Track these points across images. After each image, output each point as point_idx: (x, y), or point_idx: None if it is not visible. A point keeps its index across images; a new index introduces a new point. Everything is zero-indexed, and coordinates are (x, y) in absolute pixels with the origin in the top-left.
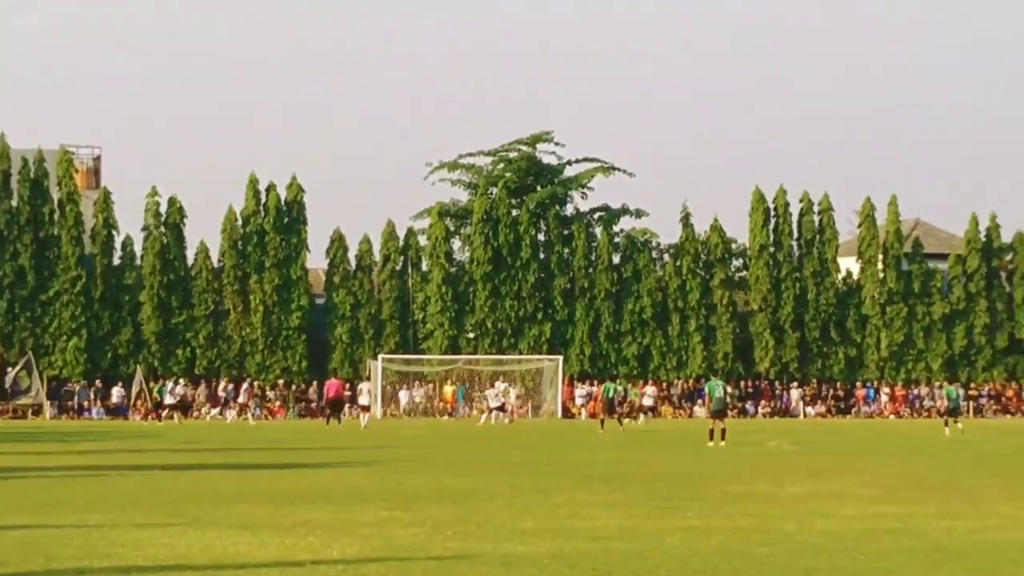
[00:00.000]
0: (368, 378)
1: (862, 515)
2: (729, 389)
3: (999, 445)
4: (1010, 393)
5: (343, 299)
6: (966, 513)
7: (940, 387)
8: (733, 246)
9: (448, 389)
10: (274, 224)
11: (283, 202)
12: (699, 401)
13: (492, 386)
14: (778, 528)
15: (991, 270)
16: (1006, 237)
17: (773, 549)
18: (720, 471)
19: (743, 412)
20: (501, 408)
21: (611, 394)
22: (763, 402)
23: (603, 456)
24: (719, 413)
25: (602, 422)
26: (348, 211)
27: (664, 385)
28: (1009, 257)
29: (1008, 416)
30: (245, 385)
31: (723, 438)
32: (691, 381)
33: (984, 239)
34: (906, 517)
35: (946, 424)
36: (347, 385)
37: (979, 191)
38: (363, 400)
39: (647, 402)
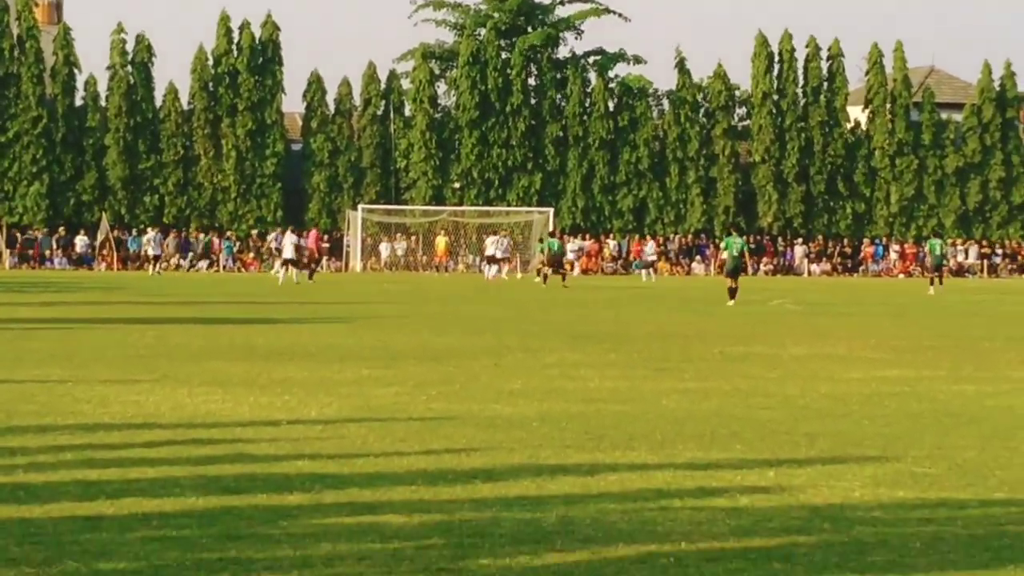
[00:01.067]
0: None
1: (868, 378)
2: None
3: (1015, 306)
4: None
5: (321, 145)
6: (978, 377)
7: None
8: (736, 94)
9: (440, 241)
10: (247, 65)
11: (257, 41)
12: (697, 257)
13: (490, 235)
14: (779, 391)
15: (1006, 121)
16: (1022, 86)
17: (774, 413)
18: (719, 331)
19: (744, 270)
20: (494, 259)
21: (556, 248)
22: (765, 259)
23: (596, 314)
24: (734, 272)
25: (545, 277)
26: (327, 52)
27: (661, 240)
28: None
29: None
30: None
31: (732, 297)
32: (690, 236)
33: (998, 88)
34: (914, 381)
35: (931, 283)
36: (326, 237)
37: (994, 37)
38: (287, 254)
39: (650, 258)
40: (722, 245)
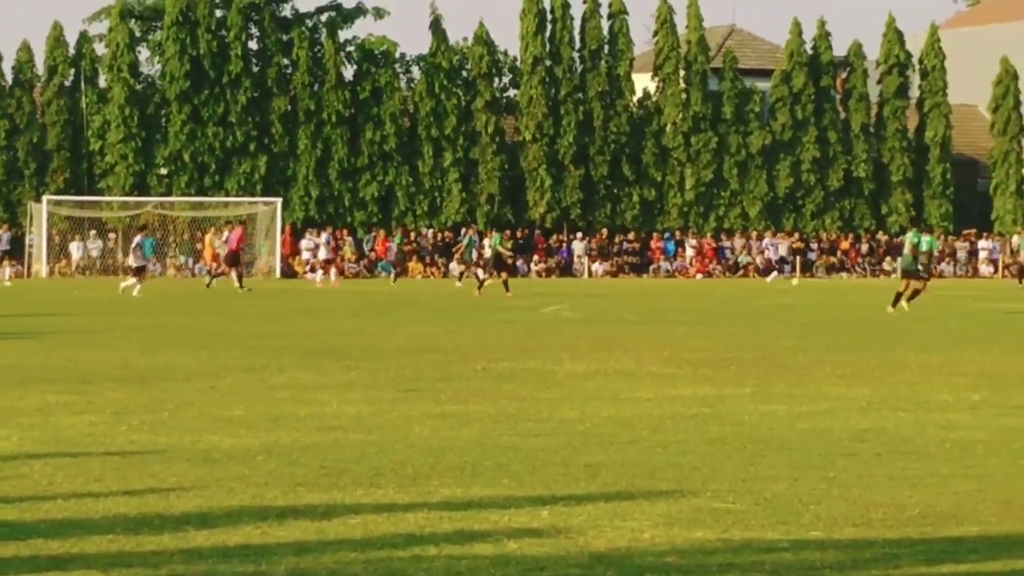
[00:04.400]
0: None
1: (660, 398)
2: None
3: (832, 311)
4: (845, 245)
5: None
6: (790, 395)
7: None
8: (500, 59)
9: (209, 240)
10: None
11: None
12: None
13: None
14: (555, 415)
15: (820, 90)
16: (838, 50)
17: (548, 441)
18: (482, 344)
19: (512, 270)
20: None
21: (498, 244)
22: (536, 257)
23: (335, 326)
24: (911, 273)
25: (481, 283)
26: (2, 10)
27: (412, 236)
28: (844, 75)
29: (843, 274)
30: None
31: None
32: (446, 232)
33: (811, 52)
34: (715, 400)
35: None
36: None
37: None
38: None
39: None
40: (907, 240)
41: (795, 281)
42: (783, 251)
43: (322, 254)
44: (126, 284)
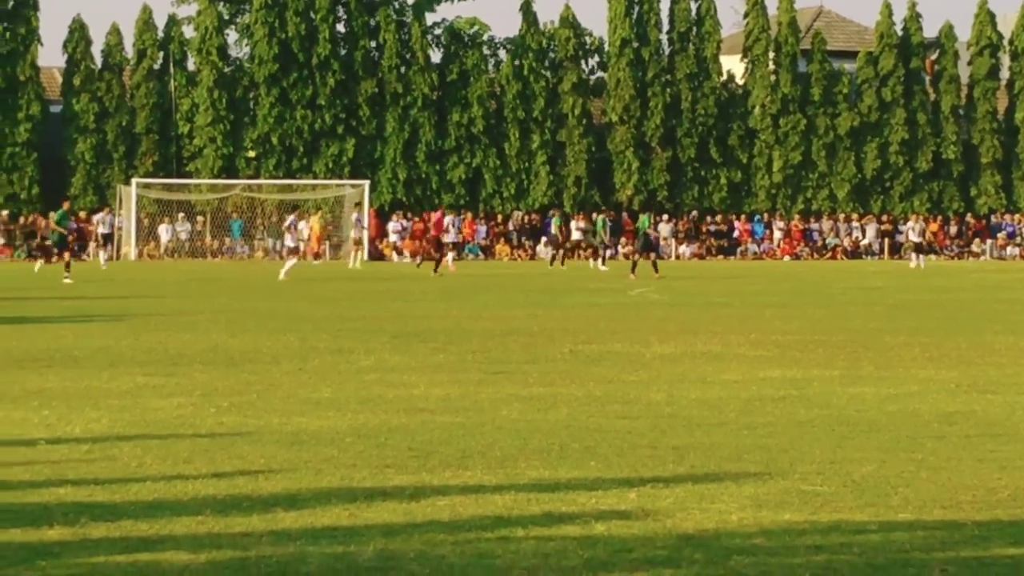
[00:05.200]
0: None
1: (747, 380)
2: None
3: (921, 292)
4: (934, 227)
5: (86, 107)
6: (878, 378)
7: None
8: (587, 41)
9: (316, 222)
10: None
11: None
12: (543, 239)
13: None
14: (642, 397)
15: (910, 72)
16: (928, 31)
17: (636, 423)
18: (569, 327)
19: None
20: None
21: (646, 226)
22: (624, 239)
23: (422, 309)
24: None
25: (634, 265)
26: None
27: (499, 219)
28: (934, 56)
29: (932, 257)
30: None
31: None
32: (534, 214)
33: (901, 33)
34: (803, 382)
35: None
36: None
37: None
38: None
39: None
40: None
41: (913, 264)
42: (871, 234)
43: (450, 237)
44: (287, 267)
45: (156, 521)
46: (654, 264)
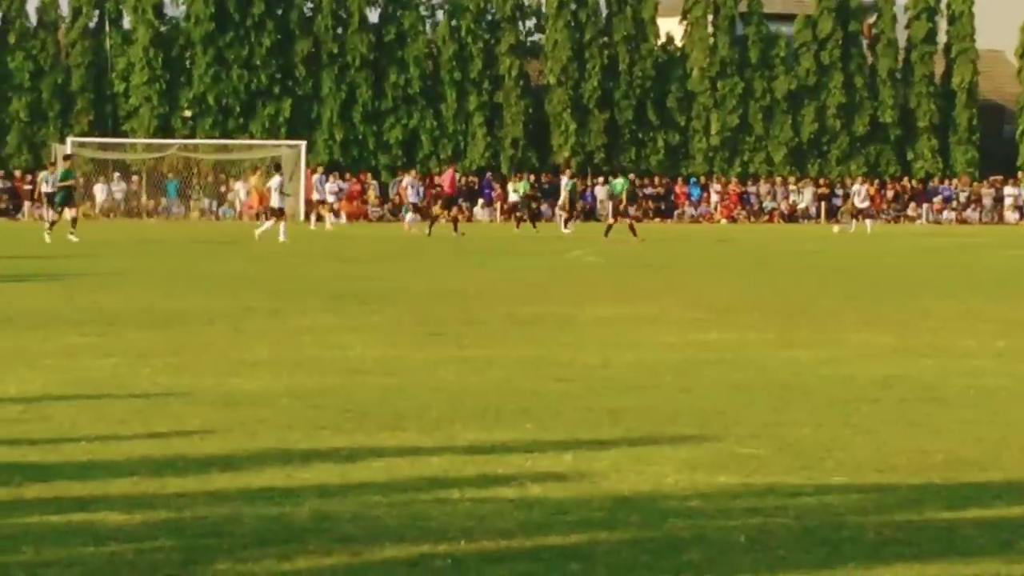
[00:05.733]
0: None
1: (683, 343)
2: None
3: (857, 258)
4: (871, 191)
5: (20, 65)
6: (813, 341)
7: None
8: (525, 2)
9: (256, 180)
10: None
11: None
12: (480, 200)
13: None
14: (577, 359)
15: (848, 36)
16: None
17: (571, 386)
18: (505, 289)
19: (536, 214)
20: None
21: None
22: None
23: (359, 270)
24: None
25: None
26: None
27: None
28: (872, 19)
29: (868, 220)
30: None
31: None
32: (471, 176)
33: None
34: (738, 346)
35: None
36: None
37: None
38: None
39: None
40: None
41: (836, 228)
42: (808, 197)
43: (411, 196)
44: (263, 228)
45: (90, 481)
46: (632, 228)
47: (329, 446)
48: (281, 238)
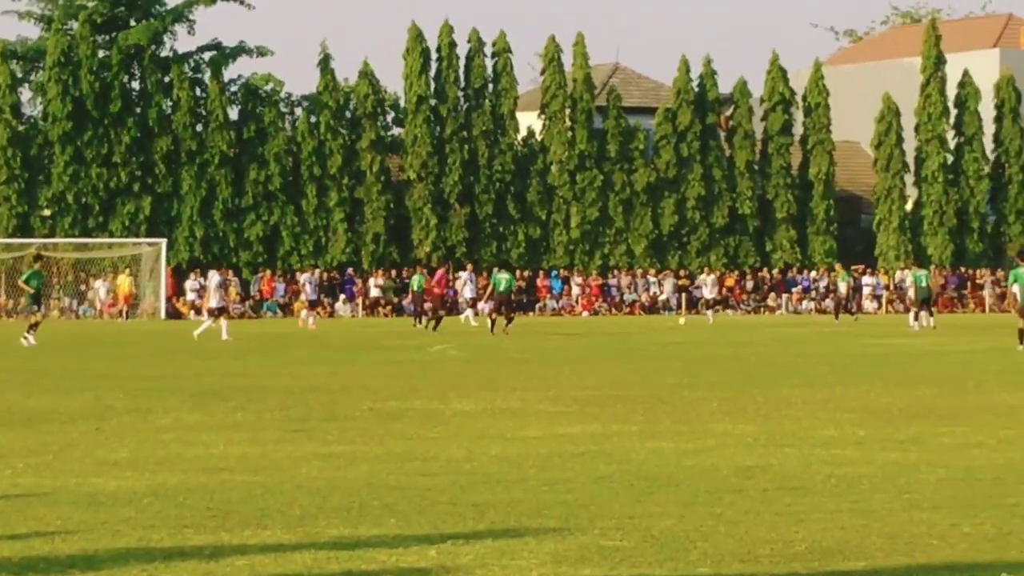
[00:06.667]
0: None
1: (547, 436)
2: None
3: (717, 347)
4: (730, 282)
5: None
6: (677, 432)
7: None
8: (385, 97)
9: (124, 281)
10: None
11: None
12: (341, 296)
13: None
14: (442, 454)
15: (706, 128)
16: (724, 87)
17: (436, 480)
18: (369, 384)
19: (398, 309)
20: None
21: (503, 287)
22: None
23: (221, 367)
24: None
25: (492, 323)
26: None
27: (297, 276)
28: (729, 111)
29: (729, 311)
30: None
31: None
32: (332, 272)
33: (697, 89)
34: (602, 438)
35: (916, 318)
36: None
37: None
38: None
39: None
40: (1010, 279)
41: (682, 320)
42: (668, 289)
43: (468, 292)
44: (201, 329)
45: None
46: (508, 319)
47: (192, 544)
48: (224, 336)
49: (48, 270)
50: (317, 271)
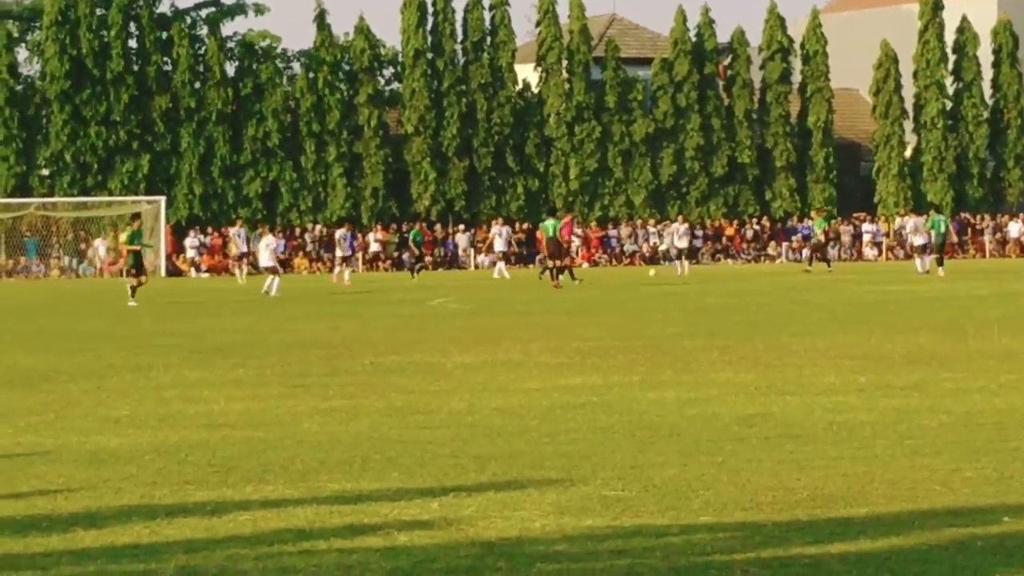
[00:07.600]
0: None
1: (548, 388)
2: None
3: (719, 297)
4: (730, 231)
5: None
6: (678, 382)
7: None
8: (382, 52)
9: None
10: None
11: None
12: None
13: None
14: (443, 407)
15: (704, 78)
16: (722, 36)
17: (436, 433)
18: (369, 338)
19: (397, 264)
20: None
21: (552, 232)
22: (423, 250)
23: (222, 323)
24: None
25: (547, 271)
26: None
27: (297, 231)
28: (727, 61)
29: (729, 261)
30: None
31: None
32: (331, 227)
33: (694, 39)
34: (603, 389)
35: (926, 267)
36: None
37: None
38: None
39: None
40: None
41: (652, 272)
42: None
43: (499, 245)
44: (274, 288)
45: None
46: (570, 270)
47: (195, 501)
48: (273, 292)
49: (47, 229)
50: (499, 221)
